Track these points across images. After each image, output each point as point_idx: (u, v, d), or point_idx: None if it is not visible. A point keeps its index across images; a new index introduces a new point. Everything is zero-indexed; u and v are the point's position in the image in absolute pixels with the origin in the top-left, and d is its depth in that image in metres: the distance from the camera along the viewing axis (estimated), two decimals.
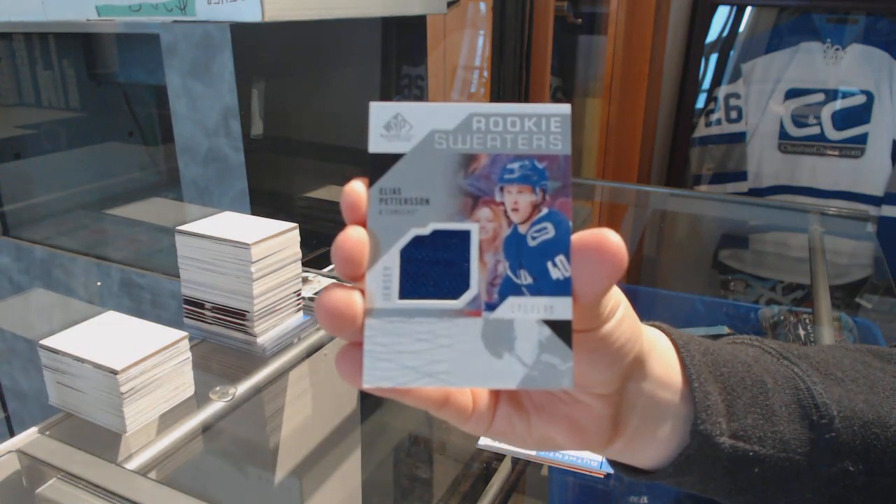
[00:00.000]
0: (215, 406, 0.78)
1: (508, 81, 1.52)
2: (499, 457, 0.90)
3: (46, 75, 1.51)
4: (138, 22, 1.10)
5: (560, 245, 0.25)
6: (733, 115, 1.96)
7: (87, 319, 0.77)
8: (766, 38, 1.93)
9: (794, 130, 1.93)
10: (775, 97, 1.92)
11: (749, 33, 1.96)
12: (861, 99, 1.85)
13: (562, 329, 0.24)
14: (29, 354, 1.47)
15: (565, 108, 0.25)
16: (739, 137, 1.97)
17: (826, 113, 1.89)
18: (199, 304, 0.87)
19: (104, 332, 0.75)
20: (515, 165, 0.25)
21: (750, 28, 1.96)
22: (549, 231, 0.25)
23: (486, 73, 1.72)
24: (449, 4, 1.43)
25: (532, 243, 0.25)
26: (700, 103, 2.03)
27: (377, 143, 0.25)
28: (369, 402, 1.07)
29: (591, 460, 0.77)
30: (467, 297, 0.25)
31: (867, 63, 1.83)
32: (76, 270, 1.36)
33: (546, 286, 0.25)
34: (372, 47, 1.47)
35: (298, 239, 0.88)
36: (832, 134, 1.89)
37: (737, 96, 1.95)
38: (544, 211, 0.25)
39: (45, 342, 0.72)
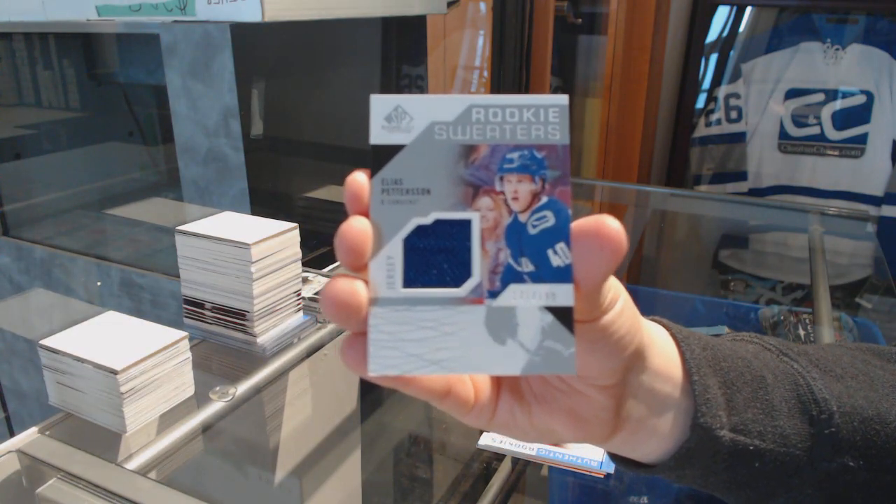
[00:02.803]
0: (215, 406, 0.78)
1: (508, 81, 1.52)
2: (499, 457, 0.90)
3: (46, 75, 1.51)
4: (138, 22, 1.10)
5: (560, 233, 0.25)
6: (733, 115, 1.96)
7: (87, 319, 0.77)
8: (766, 38, 1.93)
9: (794, 130, 1.93)
10: (775, 97, 1.92)
11: (749, 33, 1.96)
12: (861, 99, 1.85)
13: (564, 315, 0.25)
14: (29, 354, 1.47)
15: (563, 99, 0.26)
16: (739, 137, 1.97)
17: (826, 113, 1.89)
18: (199, 304, 0.87)
19: (104, 332, 0.75)
20: (515, 155, 0.25)
21: (750, 28, 1.96)
22: (549, 219, 0.25)
23: (486, 73, 1.72)
24: (449, 4, 1.43)
25: (532, 231, 0.25)
26: (700, 103, 2.03)
27: (378, 135, 0.25)
28: (369, 402, 1.07)
29: (591, 460, 0.77)
30: (469, 284, 0.25)
31: (867, 63, 1.83)
32: (76, 270, 1.36)
33: (547, 273, 0.25)
34: (372, 47, 1.47)
35: (298, 239, 0.88)
36: (832, 134, 1.89)
37: (737, 96, 1.95)
38: (544, 199, 0.25)
39: (45, 342, 0.72)
